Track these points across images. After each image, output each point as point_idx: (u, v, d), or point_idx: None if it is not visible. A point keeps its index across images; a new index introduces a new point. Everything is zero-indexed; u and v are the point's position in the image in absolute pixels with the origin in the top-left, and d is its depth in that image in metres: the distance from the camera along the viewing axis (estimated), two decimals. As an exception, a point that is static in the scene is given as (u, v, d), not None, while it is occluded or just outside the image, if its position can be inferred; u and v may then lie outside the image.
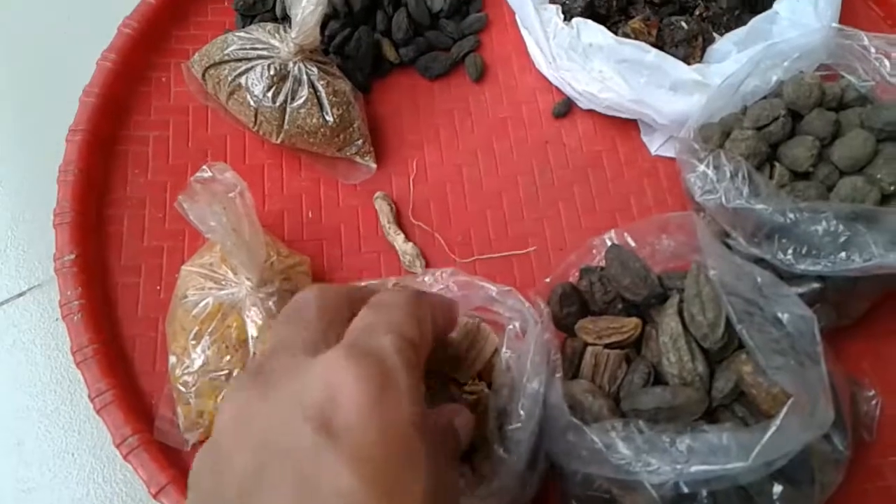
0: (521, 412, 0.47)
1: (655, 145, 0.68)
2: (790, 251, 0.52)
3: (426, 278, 0.55)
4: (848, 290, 0.55)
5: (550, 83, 0.71)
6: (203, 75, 0.66)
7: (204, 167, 0.54)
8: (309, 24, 0.62)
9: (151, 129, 0.68)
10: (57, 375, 0.61)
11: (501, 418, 0.47)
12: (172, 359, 0.55)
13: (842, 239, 0.50)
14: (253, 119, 0.64)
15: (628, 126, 0.69)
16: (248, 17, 0.73)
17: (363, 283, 0.48)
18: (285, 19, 0.71)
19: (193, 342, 0.54)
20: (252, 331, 0.54)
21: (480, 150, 0.69)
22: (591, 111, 0.69)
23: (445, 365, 0.50)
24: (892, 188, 0.52)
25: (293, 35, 0.62)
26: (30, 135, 0.71)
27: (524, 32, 0.72)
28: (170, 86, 0.71)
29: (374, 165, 0.67)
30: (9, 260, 0.65)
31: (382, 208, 0.65)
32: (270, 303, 0.54)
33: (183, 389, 0.54)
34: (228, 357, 0.54)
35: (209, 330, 0.54)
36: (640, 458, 0.43)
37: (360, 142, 0.66)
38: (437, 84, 0.72)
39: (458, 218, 0.66)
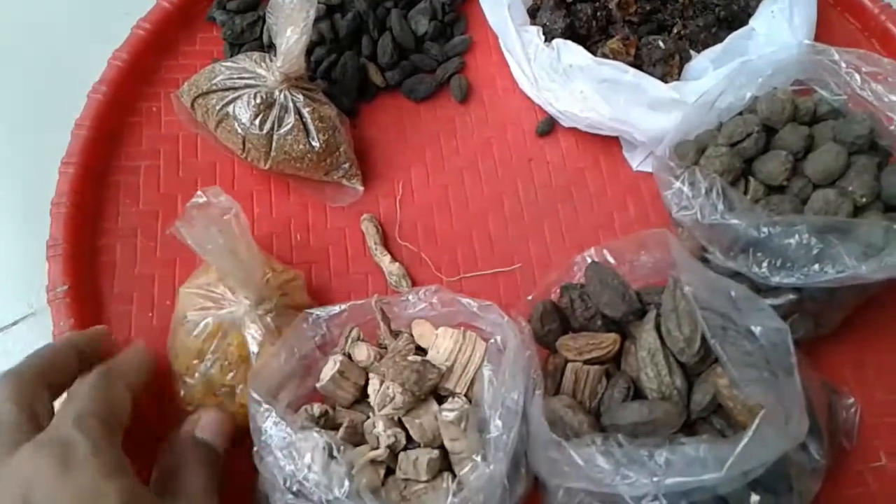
0: (499, 422, 0.48)
1: (637, 161, 0.70)
2: (765, 264, 0.53)
3: (410, 297, 0.56)
4: (825, 301, 0.56)
5: (533, 103, 0.72)
6: (192, 105, 0.68)
7: (199, 192, 0.55)
8: (293, 52, 0.63)
9: (142, 159, 0.70)
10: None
11: (481, 428, 0.49)
12: (177, 379, 0.57)
13: (815, 251, 0.51)
14: (241, 146, 0.66)
15: (610, 143, 0.71)
16: (235, 45, 0.75)
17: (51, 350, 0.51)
18: (272, 47, 0.73)
19: (196, 361, 0.56)
20: (253, 347, 0.56)
21: (466, 170, 0.70)
22: (573, 129, 0.71)
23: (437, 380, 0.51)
24: (863, 200, 0.54)
25: (278, 64, 0.64)
26: (23, 165, 0.72)
27: (507, 54, 0.74)
28: (160, 115, 0.72)
29: (360, 188, 0.69)
30: (3, 288, 0.67)
31: (369, 230, 0.66)
32: (269, 318, 0.56)
33: (190, 408, 0.56)
34: (232, 374, 0.55)
35: (211, 349, 0.56)
36: (619, 471, 0.44)
37: (346, 165, 0.67)
38: (422, 106, 0.74)
39: (444, 237, 0.67)
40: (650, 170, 0.69)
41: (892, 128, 0.56)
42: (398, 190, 0.69)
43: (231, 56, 0.74)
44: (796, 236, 0.51)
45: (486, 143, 0.72)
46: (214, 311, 0.56)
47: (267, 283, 0.56)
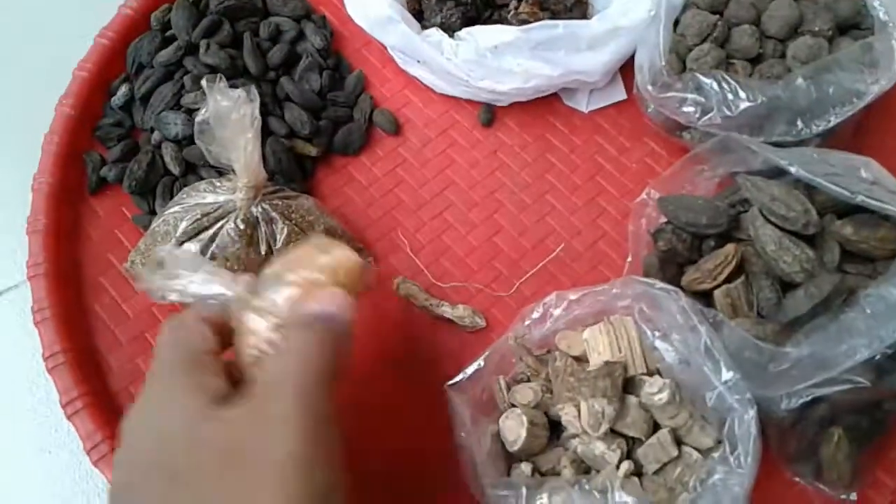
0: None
1: (583, 104, 0.71)
2: (799, 121, 0.57)
3: (534, 315, 0.54)
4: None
5: (461, 99, 0.71)
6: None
7: None
8: (254, 161, 0.57)
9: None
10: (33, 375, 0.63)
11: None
12: None
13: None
14: (242, 281, 0.58)
15: (550, 100, 0.71)
16: (144, 193, 0.65)
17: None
18: (189, 174, 0.65)
19: None
20: None
21: (447, 189, 0.68)
22: (512, 105, 0.70)
23: None
24: (829, 32, 0.59)
25: (244, 180, 0.57)
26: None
27: (410, 69, 0.72)
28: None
29: (369, 259, 0.64)
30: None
31: (411, 290, 0.62)
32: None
33: None
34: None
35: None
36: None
37: (349, 243, 0.62)
38: (363, 155, 0.70)
39: (474, 259, 0.65)
40: (599, 105, 0.71)
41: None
42: (402, 241, 0.65)
43: (147, 205, 0.65)
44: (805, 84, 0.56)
45: (446, 157, 0.69)
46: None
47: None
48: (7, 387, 0.64)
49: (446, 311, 0.61)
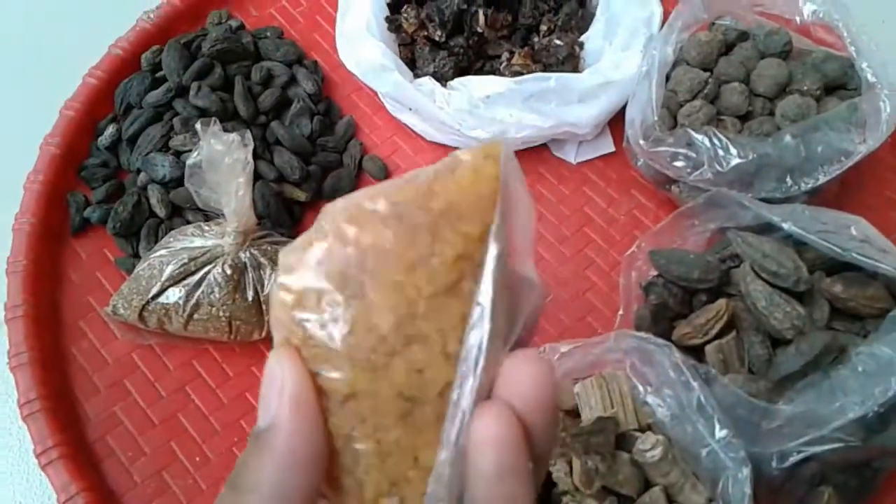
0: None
1: (572, 155, 0.71)
2: (789, 178, 0.58)
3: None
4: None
5: (451, 147, 0.71)
6: (140, 315, 0.58)
7: None
8: (244, 206, 0.56)
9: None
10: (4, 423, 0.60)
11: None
12: None
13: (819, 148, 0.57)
14: (227, 328, 0.58)
15: (539, 151, 0.72)
16: (129, 235, 0.64)
17: None
18: (175, 217, 0.64)
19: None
20: None
21: (436, 238, 0.67)
22: (501, 154, 0.71)
23: None
24: (818, 92, 0.60)
25: (234, 225, 0.57)
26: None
27: (401, 116, 0.72)
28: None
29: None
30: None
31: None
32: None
33: None
34: None
35: None
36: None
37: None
38: (352, 201, 0.69)
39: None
40: (586, 157, 0.72)
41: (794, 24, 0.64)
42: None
43: (131, 247, 0.64)
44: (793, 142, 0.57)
45: (435, 205, 0.69)
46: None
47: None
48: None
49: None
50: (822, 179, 0.57)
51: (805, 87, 0.60)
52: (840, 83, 0.61)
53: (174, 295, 0.57)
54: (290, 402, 0.25)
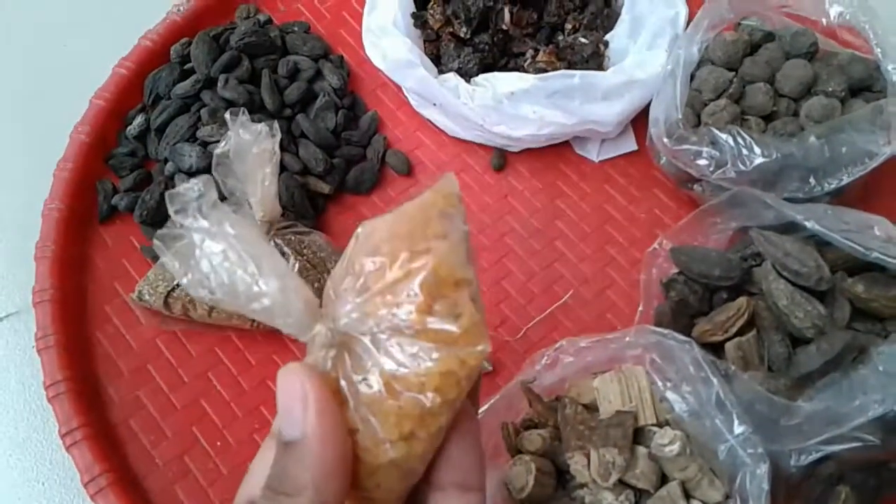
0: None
1: (595, 153, 0.72)
2: (812, 178, 0.58)
3: (543, 361, 0.54)
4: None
5: (474, 143, 0.72)
6: (165, 301, 0.58)
7: None
8: (270, 196, 0.57)
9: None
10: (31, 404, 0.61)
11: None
12: None
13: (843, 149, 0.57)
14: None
15: (561, 148, 0.72)
16: (156, 223, 0.65)
17: None
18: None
19: None
20: None
21: (457, 232, 0.68)
22: (524, 151, 0.71)
23: None
24: (842, 93, 0.60)
25: (259, 214, 0.57)
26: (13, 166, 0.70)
27: (425, 111, 0.72)
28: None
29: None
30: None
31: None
32: None
33: None
34: None
35: None
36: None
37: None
38: (374, 194, 0.70)
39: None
40: (609, 156, 0.72)
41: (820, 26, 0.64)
42: (411, 282, 0.65)
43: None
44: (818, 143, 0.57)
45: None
46: None
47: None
48: (1, 415, 0.62)
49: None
50: (846, 180, 0.57)
51: (830, 89, 0.60)
52: (865, 85, 0.61)
53: (199, 282, 0.57)
54: (316, 412, 0.27)
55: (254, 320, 0.58)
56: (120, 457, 0.57)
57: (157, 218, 0.65)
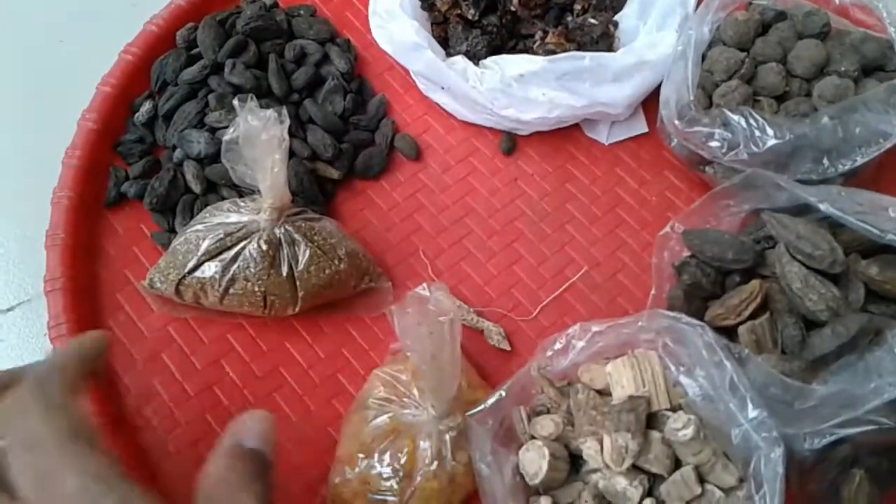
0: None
1: (604, 135, 0.71)
2: (825, 159, 0.57)
3: (556, 346, 0.54)
4: None
5: (483, 127, 0.71)
6: (176, 289, 0.58)
7: (423, 285, 0.50)
8: (279, 182, 0.57)
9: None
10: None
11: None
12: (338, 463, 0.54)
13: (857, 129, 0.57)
14: (262, 303, 0.58)
15: (571, 131, 0.72)
16: (165, 210, 0.65)
17: None
18: (210, 193, 0.65)
19: (361, 455, 0.52)
20: (424, 461, 0.51)
21: (467, 216, 0.68)
22: (533, 135, 0.71)
23: None
24: (855, 73, 0.60)
25: (269, 201, 0.57)
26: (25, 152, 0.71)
27: (433, 95, 0.72)
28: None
29: (388, 283, 0.64)
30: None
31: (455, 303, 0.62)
32: (448, 436, 0.52)
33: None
34: (391, 482, 0.51)
35: (380, 448, 0.52)
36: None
37: (369, 267, 0.62)
38: (384, 179, 0.70)
39: (492, 286, 0.65)
40: (619, 138, 0.71)
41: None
42: (421, 265, 0.65)
43: (167, 222, 0.65)
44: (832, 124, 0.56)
45: (466, 184, 0.69)
46: (397, 408, 0.53)
47: (457, 398, 0.51)
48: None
49: (485, 324, 0.62)
50: (860, 161, 0.57)
51: (843, 69, 0.59)
52: (879, 65, 0.60)
53: (210, 269, 0.57)
54: None
55: (265, 306, 0.58)
56: (134, 444, 0.57)
57: (167, 205, 0.65)
